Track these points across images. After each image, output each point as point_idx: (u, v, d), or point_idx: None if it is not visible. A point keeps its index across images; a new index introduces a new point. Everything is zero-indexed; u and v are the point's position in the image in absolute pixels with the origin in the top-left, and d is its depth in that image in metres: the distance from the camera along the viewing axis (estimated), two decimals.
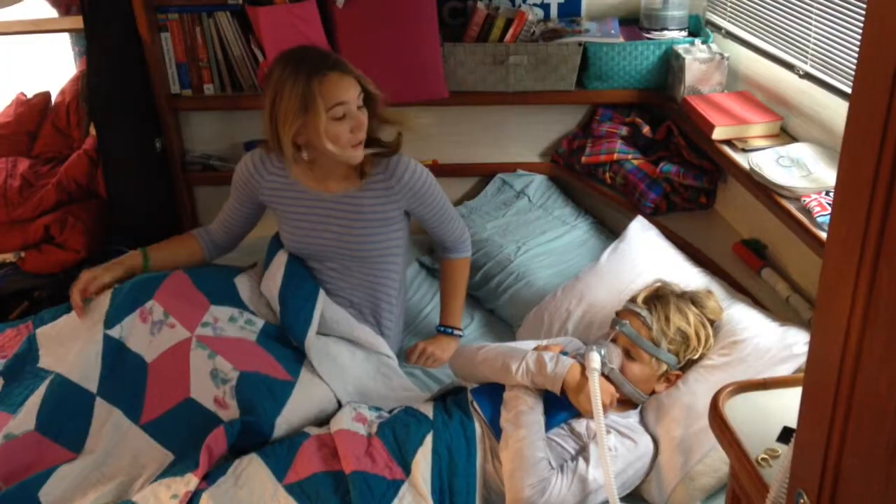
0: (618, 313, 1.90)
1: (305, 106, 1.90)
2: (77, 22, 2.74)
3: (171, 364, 1.93)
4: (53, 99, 3.00)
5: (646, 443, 1.77)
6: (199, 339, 1.94)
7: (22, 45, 3.14)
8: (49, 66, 3.18)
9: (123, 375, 1.93)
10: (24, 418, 1.86)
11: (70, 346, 1.97)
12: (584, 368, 1.76)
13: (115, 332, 1.94)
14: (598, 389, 1.69)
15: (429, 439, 1.75)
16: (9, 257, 2.72)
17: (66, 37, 3.06)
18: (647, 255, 2.21)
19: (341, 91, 1.93)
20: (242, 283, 2.13)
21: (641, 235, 2.29)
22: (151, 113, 2.68)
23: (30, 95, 3.01)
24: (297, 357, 2.01)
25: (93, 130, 2.80)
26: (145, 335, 1.95)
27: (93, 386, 1.91)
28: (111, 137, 2.68)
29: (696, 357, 1.83)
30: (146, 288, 2.01)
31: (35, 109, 2.98)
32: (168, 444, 1.86)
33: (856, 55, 1.83)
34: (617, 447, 1.73)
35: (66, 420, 1.87)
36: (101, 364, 1.93)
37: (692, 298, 1.87)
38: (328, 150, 1.95)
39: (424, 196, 2.10)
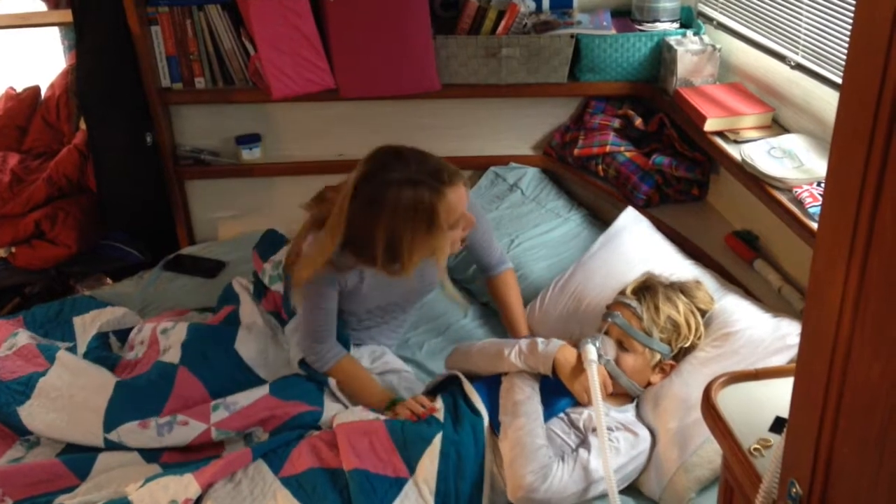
0: (608, 306, 1.91)
1: (429, 228, 1.80)
2: (66, 15, 2.72)
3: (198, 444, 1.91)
4: (43, 93, 2.99)
5: (645, 435, 1.78)
6: (218, 427, 1.89)
7: (11, 38, 3.11)
8: (38, 60, 3.16)
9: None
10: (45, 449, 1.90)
11: (67, 430, 1.92)
12: (579, 356, 1.78)
13: (113, 437, 1.89)
14: (597, 382, 1.69)
15: (437, 440, 1.73)
16: None
17: (55, 30, 3.04)
18: (640, 247, 2.21)
19: (461, 204, 1.84)
20: (244, 346, 2.07)
21: (633, 227, 2.29)
22: (142, 107, 2.66)
23: (19, 90, 3.00)
24: (316, 387, 2.00)
25: (83, 125, 2.78)
26: (152, 437, 1.89)
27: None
28: (101, 132, 2.67)
29: (687, 345, 1.84)
30: (151, 400, 1.93)
31: (25, 104, 2.96)
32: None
33: (846, 46, 1.83)
34: (618, 439, 1.73)
35: (84, 455, 1.89)
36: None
37: (681, 288, 1.89)
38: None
39: (478, 213, 2.06)
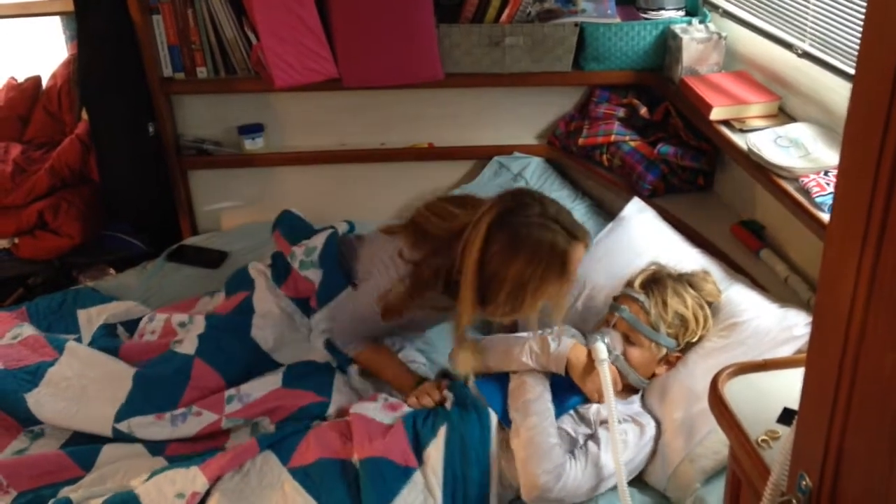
0: (615, 298, 1.90)
1: (560, 274, 1.78)
2: (67, 4, 2.70)
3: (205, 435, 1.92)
4: (45, 83, 2.98)
5: (651, 426, 1.78)
6: (229, 417, 1.91)
7: (12, 28, 3.10)
8: (40, 49, 3.15)
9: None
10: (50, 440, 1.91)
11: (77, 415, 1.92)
12: (590, 353, 1.77)
13: (123, 427, 1.90)
14: (609, 382, 1.68)
15: (443, 430, 1.74)
16: (3, 243, 2.70)
17: (56, 20, 3.03)
18: (645, 237, 2.20)
19: (579, 263, 1.84)
20: (261, 333, 2.07)
21: (638, 217, 2.28)
22: (144, 97, 2.65)
23: (21, 80, 2.98)
24: (328, 378, 2.01)
25: (85, 115, 2.77)
26: (165, 427, 1.90)
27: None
28: (104, 122, 2.65)
29: (695, 340, 1.83)
30: (168, 394, 1.94)
31: (26, 94, 2.95)
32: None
33: (855, 34, 1.82)
34: (626, 432, 1.73)
35: (89, 446, 1.89)
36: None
37: (689, 281, 1.87)
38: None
39: None
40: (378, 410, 1.84)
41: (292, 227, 2.27)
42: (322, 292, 2.09)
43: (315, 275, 2.11)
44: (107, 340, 2.14)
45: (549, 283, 1.77)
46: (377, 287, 1.95)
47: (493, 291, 1.80)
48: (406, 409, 1.85)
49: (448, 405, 1.83)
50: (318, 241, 2.15)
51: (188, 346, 2.03)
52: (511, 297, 1.78)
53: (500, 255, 1.77)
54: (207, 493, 1.66)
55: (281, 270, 2.16)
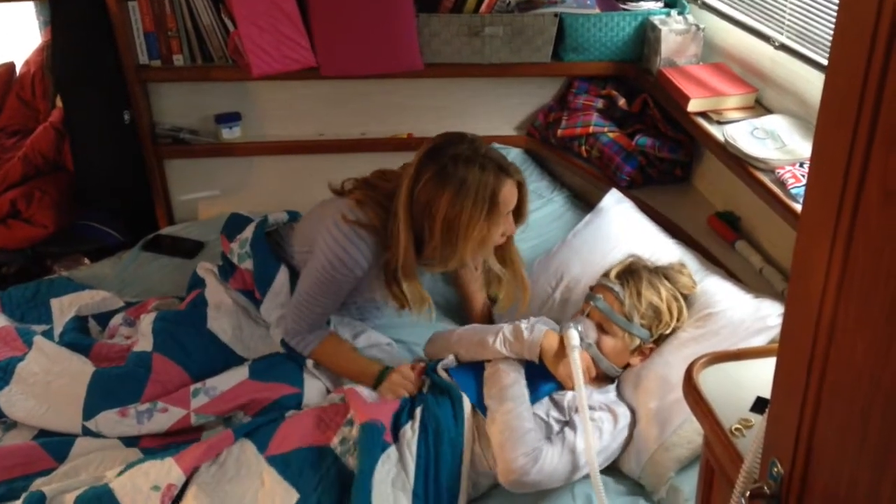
0: (591, 288, 1.91)
1: (489, 213, 1.80)
2: None
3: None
4: (18, 70, 2.93)
5: (625, 414, 1.79)
6: (197, 412, 1.89)
7: None
8: (13, 35, 3.10)
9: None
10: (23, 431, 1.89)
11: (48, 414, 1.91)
12: (562, 340, 1.78)
13: (91, 425, 1.88)
14: (579, 368, 1.69)
15: (418, 412, 1.76)
16: None
17: (30, 5, 2.98)
18: (622, 228, 2.21)
19: (512, 202, 1.86)
20: (217, 323, 2.04)
21: (616, 208, 2.29)
22: (119, 84, 2.62)
23: None
24: (296, 367, 1.99)
25: (59, 102, 2.73)
26: (131, 425, 1.88)
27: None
28: (78, 110, 2.62)
29: (668, 332, 1.85)
30: (130, 388, 1.91)
31: None
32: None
33: (831, 26, 1.83)
34: (602, 419, 1.74)
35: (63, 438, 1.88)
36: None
37: (664, 273, 1.89)
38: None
39: None
40: (371, 394, 1.86)
41: (237, 225, 2.23)
42: (258, 279, 2.06)
43: (250, 264, 2.09)
44: (77, 336, 2.11)
45: (478, 220, 1.80)
46: (321, 252, 1.91)
47: (426, 230, 1.83)
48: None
49: (425, 389, 1.86)
50: (249, 231, 2.14)
51: (144, 343, 2.01)
52: (443, 235, 1.81)
53: (429, 186, 1.80)
54: (185, 486, 1.65)
55: (227, 268, 2.15)
